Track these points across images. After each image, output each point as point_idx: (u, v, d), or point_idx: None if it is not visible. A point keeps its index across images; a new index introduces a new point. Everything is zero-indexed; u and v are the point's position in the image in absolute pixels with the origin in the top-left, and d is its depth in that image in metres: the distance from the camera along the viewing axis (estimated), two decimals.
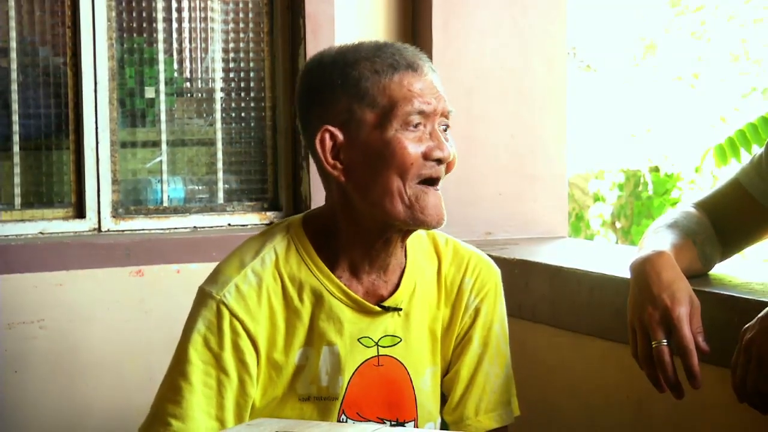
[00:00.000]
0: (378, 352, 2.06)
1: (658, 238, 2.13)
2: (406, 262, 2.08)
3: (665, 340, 1.95)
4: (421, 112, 1.95)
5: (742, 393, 1.89)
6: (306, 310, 2.02)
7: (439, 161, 1.97)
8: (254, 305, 2.00)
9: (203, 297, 2.02)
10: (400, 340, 2.07)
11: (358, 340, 2.04)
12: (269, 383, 2.03)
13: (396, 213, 1.96)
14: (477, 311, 2.13)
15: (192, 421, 1.96)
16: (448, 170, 1.99)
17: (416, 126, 1.95)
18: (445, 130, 2.00)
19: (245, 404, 2.00)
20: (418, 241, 2.12)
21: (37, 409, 3.09)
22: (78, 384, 3.13)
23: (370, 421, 2.05)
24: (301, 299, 2.03)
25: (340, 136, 1.97)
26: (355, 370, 2.04)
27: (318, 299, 2.02)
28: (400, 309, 2.06)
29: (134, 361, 3.16)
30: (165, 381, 2.02)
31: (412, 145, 1.95)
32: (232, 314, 1.99)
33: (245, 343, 1.99)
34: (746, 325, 1.90)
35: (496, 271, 2.17)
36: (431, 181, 1.97)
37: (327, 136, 1.98)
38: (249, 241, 2.08)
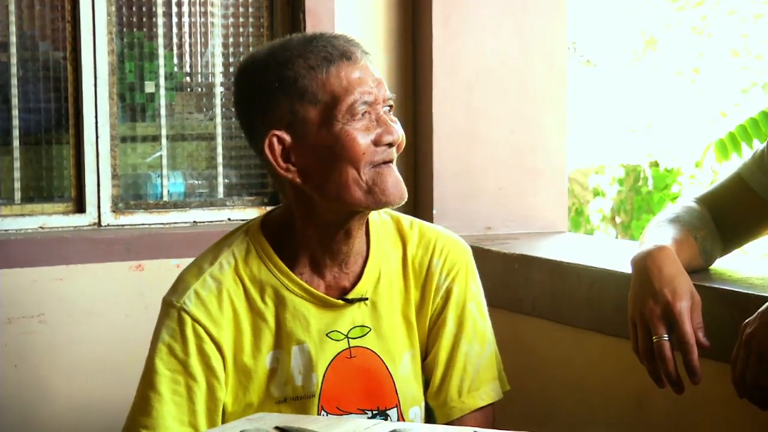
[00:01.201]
0: (349, 344, 2.05)
1: (660, 232, 2.13)
2: (369, 251, 2.07)
3: (666, 335, 1.95)
4: (365, 102, 1.94)
5: (741, 388, 1.89)
6: (270, 312, 2.02)
7: (390, 145, 1.96)
8: (215, 310, 2.01)
9: (165, 307, 2.04)
10: (370, 330, 2.06)
11: (326, 335, 2.04)
12: (239, 388, 2.03)
13: (358, 200, 1.95)
14: (449, 292, 2.11)
15: (164, 430, 1.97)
16: (398, 150, 1.99)
17: (363, 115, 1.95)
18: (389, 111, 1.99)
19: (215, 408, 2.00)
20: (382, 227, 2.11)
21: (36, 403, 3.09)
22: (77, 379, 3.12)
23: (351, 413, 2.05)
24: (264, 301, 2.03)
25: (287, 138, 1.96)
26: (328, 365, 2.04)
27: (280, 299, 2.02)
28: (366, 299, 2.05)
29: (134, 355, 3.13)
30: (136, 394, 2.03)
31: (362, 135, 1.94)
32: (194, 320, 2.00)
33: (210, 348, 1.99)
34: (746, 320, 1.90)
35: (466, 249, 2.15)
36: (384, 164, 1.97)
37: (275, 140, 1.96)
38: (208, 248, 2.09)
